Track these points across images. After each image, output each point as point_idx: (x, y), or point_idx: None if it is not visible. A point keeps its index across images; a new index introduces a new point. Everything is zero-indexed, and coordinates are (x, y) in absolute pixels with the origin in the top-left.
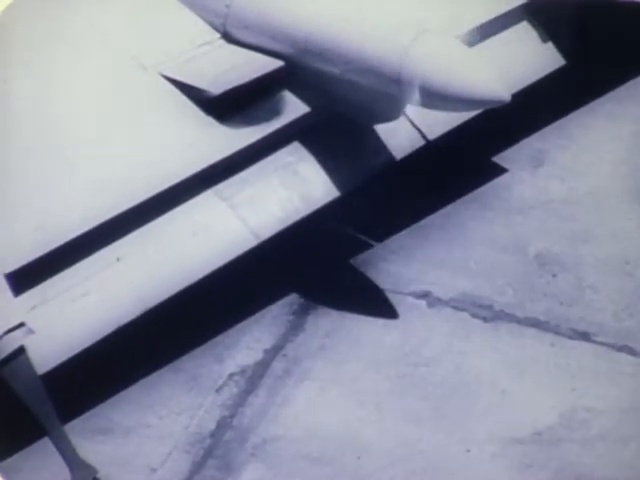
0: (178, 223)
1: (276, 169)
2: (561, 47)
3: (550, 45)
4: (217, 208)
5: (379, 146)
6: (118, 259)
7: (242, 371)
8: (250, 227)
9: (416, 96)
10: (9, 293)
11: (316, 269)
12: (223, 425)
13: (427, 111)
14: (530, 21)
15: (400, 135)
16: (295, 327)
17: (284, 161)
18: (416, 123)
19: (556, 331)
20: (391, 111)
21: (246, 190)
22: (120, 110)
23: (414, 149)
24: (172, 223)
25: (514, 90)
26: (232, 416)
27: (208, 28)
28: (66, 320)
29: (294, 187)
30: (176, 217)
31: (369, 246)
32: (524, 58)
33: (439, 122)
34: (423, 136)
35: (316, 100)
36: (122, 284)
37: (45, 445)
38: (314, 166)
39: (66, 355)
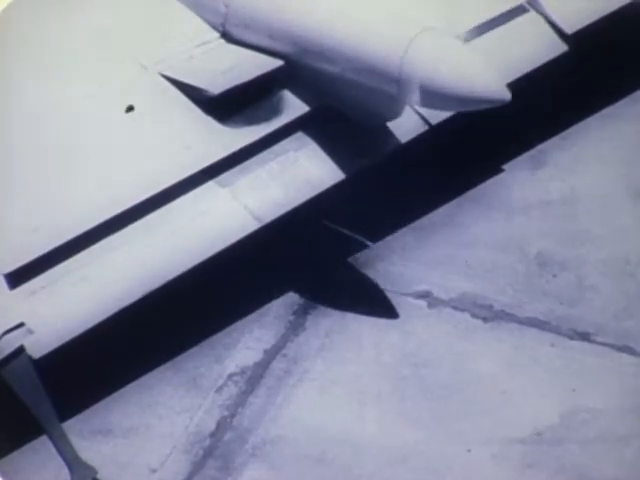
0: (179, 210)
1: (277, 156)
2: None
3: (552, 32)
4: (218, 194)
5: (381, 131)
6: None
7: (242, 371)
8: (251, 211)
9: (416, 95)
10: (8, 293)
11: (316, 269)
12: (223, 425)
13: None
14: (532, 10)
15: (402, 120)
16: (295, 327)
17: (285, 148)
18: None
19: (557, 331)
20: (391, 110)
21: (247, 177)
22: (120, 110)
23: (417, 134)
24: (173, 211)
25: (517, 75)
26: (232, 416)
27: (207, 27)
28: (66, 304)
29: (296, 171)
30: (177, 205)
31: (367, 246)
32: (526, 44)
33: None
34: (425, 121)
35: (316, 99)
36: (122, 269)
37: (45, 445)
38: (315, 150)
39: (67, 338)
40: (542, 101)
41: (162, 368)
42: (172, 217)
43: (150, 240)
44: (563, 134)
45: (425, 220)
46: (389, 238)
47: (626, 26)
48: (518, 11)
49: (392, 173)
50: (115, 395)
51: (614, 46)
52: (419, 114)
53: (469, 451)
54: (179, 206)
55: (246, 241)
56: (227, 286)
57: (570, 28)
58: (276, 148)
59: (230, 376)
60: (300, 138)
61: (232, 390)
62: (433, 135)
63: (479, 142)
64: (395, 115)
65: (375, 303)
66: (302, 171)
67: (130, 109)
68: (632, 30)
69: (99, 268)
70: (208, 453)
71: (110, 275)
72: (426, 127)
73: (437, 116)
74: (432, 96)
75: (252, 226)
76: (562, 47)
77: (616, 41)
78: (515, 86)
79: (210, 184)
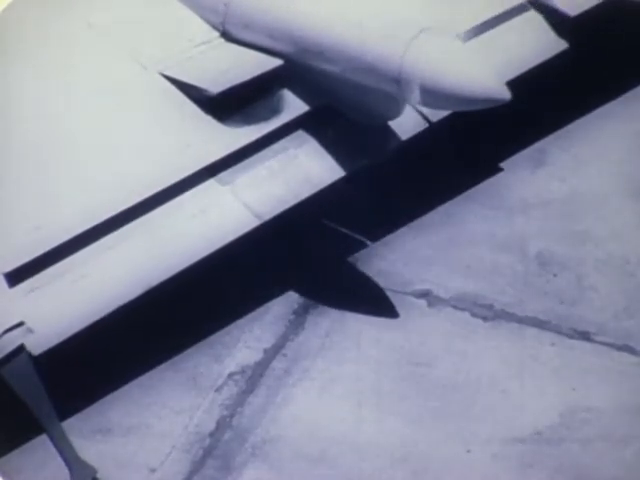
0: (179, 208)
1: (277, 154)
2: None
3: (551, 30)
4: (218, 192)
5: (381, 129)
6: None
7: (242, 371)
8: (251, 208)
9: (416, 95)
10: (8, 292)
11: (316, 269)
12: (223, 425)
13: None
14: (532, 8)
15: (402, 118)
16: (295, 326)
17: (285, 146)
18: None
19: (557, 330)
20: (391, 110)
21: (247, 174)
22: (119, 109)
23: (417, 132)
24: (173, 209)
25: (516, 74)
26: (232, 416)
27: (207, 27)
28: (66, 302)
29: (295, 169)
30: (177, 203)
31: (367, 246)
32: (525, 43)
33: None
34: (425, 119)
35: (316, 99)
36: (122, 267)
37: (45, 444)
38: (315, 148)
39: (66, 335)
40: (542, 100)
41: (162, 367)
42: (172, 215)
43: (150, 238)
44: (563, 134)
45: (425, 219)
46: (389, 238)
47: (625, 24)
48: (517, 10)
49: (392, 172)
50: (115, 394)
51: (613, 44)
52: (419, 112)
53: (469, 451)
54: (180, 204)
55: (246, 240)
56: (227, 285)
57: (573, 10)
58: (276, 146)
59: (230, 375)
60: (300, 136)
61: (232, 389)
62: (433, 134)
63: (479, 141)
64: (395, 115)
65: (375, 302)
66: (302, 169)
67: None
68: (631, 28)
69: (99, 266)
70: (208, 453)
71: (110, 273)
72: (426, 125)
73: (437, 114)
74: (432, 96)
75: (252, 223)
76: (561, 45)
77: (615, 39)
78: (515, 85)
79: (210, 182)
